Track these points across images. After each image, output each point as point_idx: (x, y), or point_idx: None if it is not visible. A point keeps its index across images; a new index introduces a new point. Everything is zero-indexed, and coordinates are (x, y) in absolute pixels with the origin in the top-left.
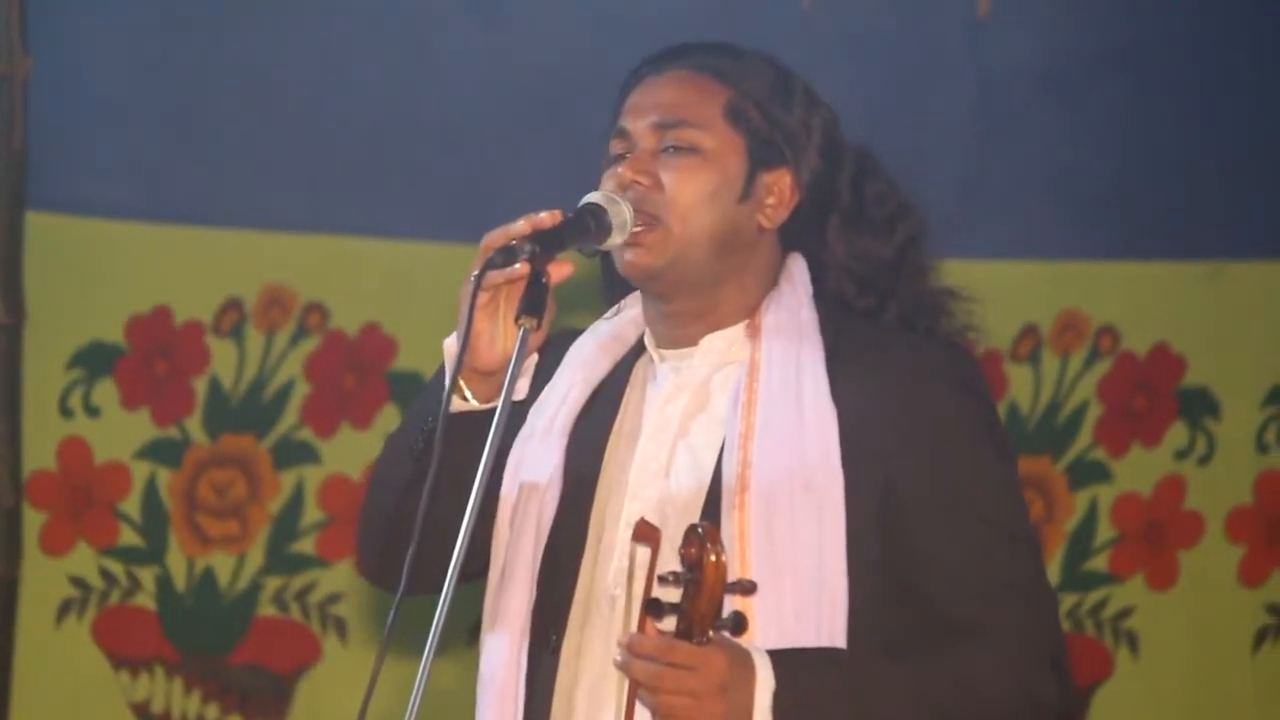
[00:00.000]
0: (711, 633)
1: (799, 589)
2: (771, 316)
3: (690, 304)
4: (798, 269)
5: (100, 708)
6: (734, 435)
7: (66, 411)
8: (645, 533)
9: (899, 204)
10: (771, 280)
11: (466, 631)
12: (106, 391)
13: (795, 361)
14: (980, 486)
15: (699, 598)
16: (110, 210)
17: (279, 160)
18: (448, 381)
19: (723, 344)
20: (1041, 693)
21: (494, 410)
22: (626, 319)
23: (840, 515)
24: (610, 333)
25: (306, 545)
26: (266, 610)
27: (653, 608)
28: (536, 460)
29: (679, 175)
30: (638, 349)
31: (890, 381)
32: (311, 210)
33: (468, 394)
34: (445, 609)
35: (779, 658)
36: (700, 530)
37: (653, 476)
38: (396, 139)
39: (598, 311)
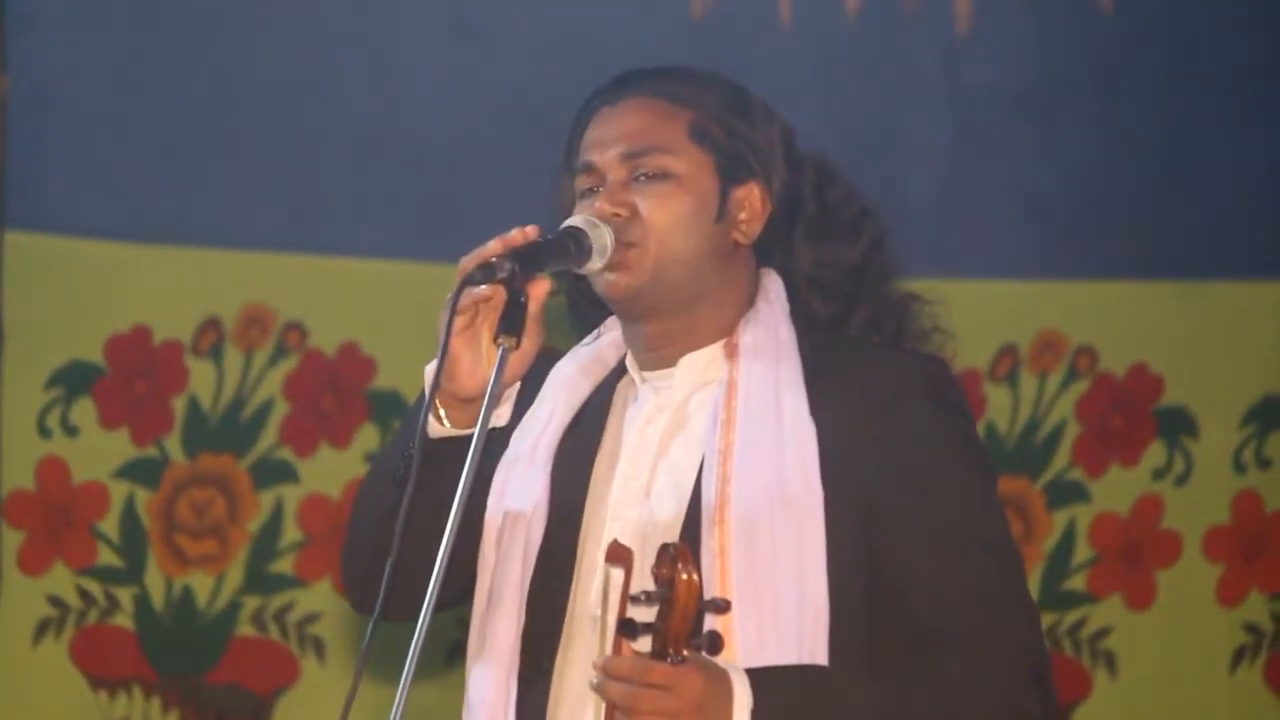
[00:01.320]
0: (687, 652)
1: (779, 606)
2: (749, 335)
3: (669, 325)
4: (774, 286)
5: None
6: (713, 453)
7: (45, 431)
8: (617, 554)
9: (861, 208)
10: (748, 297)
11: (444, 652)
12: (85, 411)
13: (773, 379)
14: (958, 501)
15: (672, 617)
16: (89, 230)
17: (258, 180)
18: (425, 407)
19: (701, 363)
20: (1021, 705)
21: (473, 435)
22: (606, 342)
23: (820, 531)
24: (590, 356)
25: (285, 565)
26: (245, 630)
27: (626, 628)
28: (521, 486)
29: (655, 203)
30: (619, 371)
31: (869, 398)
32: (290, 230)
33: (446, 420)
34: (423, 631)
35: (757, 676)
36: (672, 549)
37: (633, 497)
38: (375, 159)
39: (582, 332)
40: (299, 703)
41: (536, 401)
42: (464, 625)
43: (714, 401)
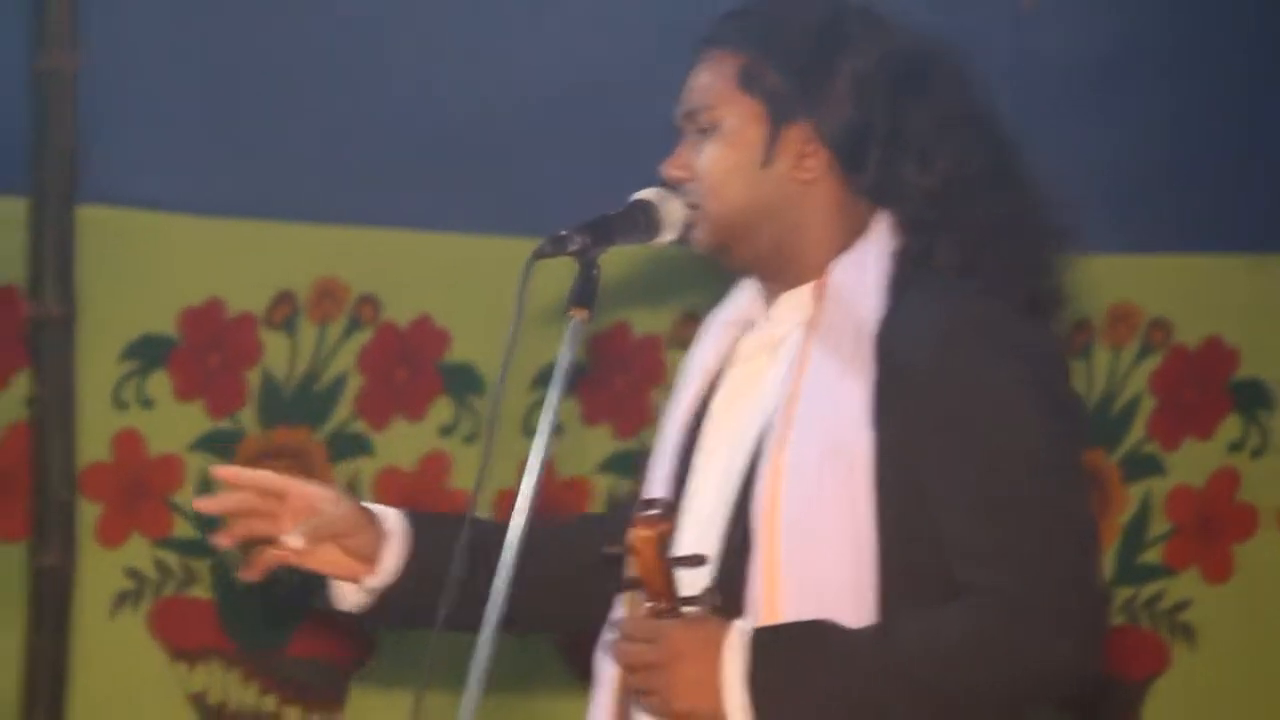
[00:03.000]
0: (684, 608)
1: (825, 554)
2: (839, 275)
3: (764, 271)
4: (877, 224)
5: (158, 699)
6: (782, 397)
7: (120, 404)
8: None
9: (946, 124)
10: (841, 236)
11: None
12: (160, 383)
13: (850, 321)
14: (997, 451)
15: (643, 574)
16: (162, 203)
17: (331, 153)
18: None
19: (795, 303)
20: (1041, 660)
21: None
22: (755, 293)
23: (868, 478)
24: (732, 312)
25: None
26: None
27: (628, 584)
28: (654, 474)
29: (703, 159)
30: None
31: (925, 341)
32: (363, 203)
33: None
34: (502, 602)
35: (761, 631)
36: (640, 508)
37: (720, 442)
38: (448, 133)
39: (651, 306)
40: (377, 677)
41: (679, 381)
42: None
43: (794, 344)
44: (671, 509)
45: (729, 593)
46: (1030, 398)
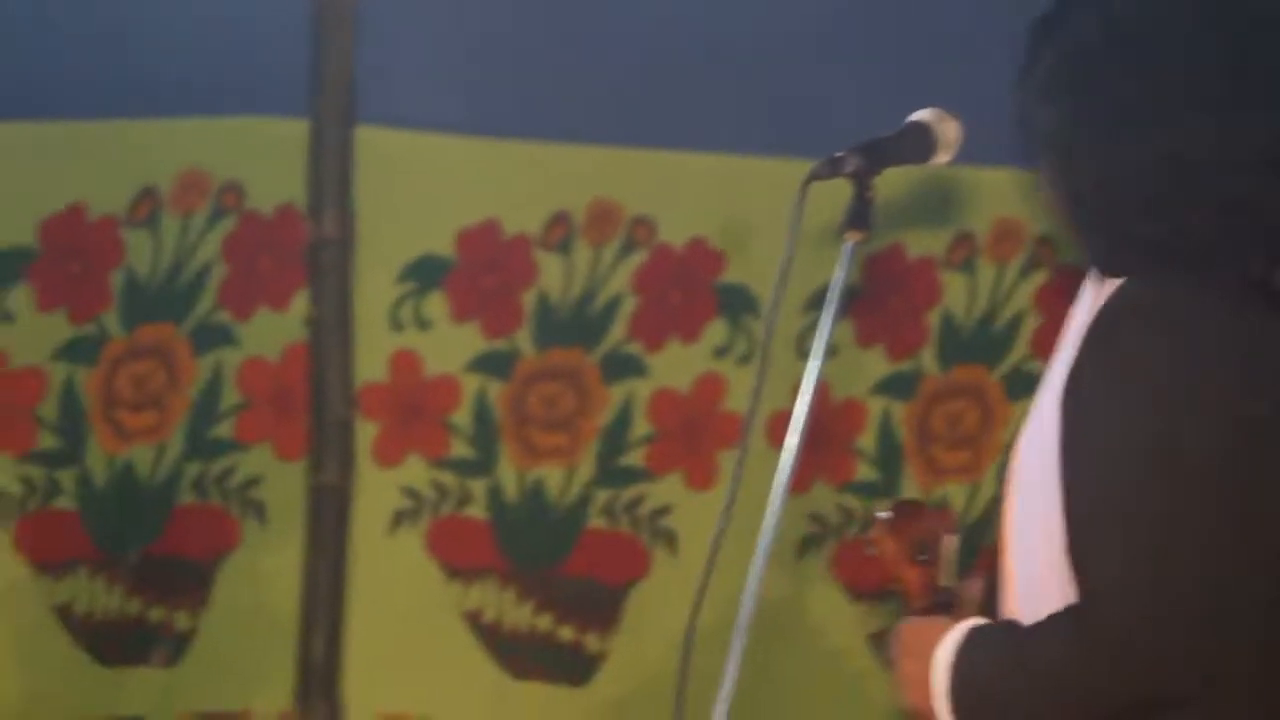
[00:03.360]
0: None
1: (1033, 541)
2: None
3: None
4: None
5: (433, 616)
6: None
7: (397, 324)
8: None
9: (1139, 95)
10: None
11: (794, 545)
12: (436, 304)
13: (1091, 309)
14: (1116, 446)
15: (891, 572)
16: (439, 124)
17: (607, 74)
18: None
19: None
20: (1079, 678)
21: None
22: None
23: (1055, 464)
24: None
25: (635, 458)
26: (596, 522)
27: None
28: None
29: None
30: None
31: (1094, 327)
32: (639, 124)
33: None
34: (775, 525)
35: (973, 631)
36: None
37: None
38: (726, 52)
39: (926, 227)
40: (650, 594)
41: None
42: (817, 520)
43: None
44: (908, 508)
45: (996, 578)
46: (1168, 391)
